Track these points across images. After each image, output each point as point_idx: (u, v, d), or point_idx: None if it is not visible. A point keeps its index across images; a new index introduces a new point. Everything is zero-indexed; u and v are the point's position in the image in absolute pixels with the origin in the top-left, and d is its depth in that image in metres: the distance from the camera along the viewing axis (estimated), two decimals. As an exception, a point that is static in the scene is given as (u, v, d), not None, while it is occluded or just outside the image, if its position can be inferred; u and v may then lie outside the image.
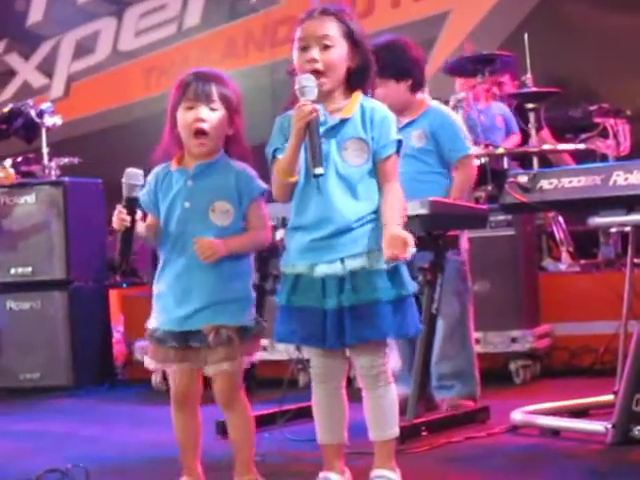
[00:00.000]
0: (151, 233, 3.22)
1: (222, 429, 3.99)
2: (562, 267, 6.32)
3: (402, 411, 3.41)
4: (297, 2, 8.43)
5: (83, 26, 9.97)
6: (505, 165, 6.49)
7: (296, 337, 3.14)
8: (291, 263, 3.11)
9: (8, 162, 6.44)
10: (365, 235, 3.05)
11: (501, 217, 5.40)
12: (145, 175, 3.20)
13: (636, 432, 3.56)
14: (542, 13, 8.08)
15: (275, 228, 3.63)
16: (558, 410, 4.15)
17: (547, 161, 6.97)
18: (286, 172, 3.05)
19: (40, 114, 6.64)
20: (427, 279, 4.07)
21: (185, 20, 9.58)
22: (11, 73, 10.20)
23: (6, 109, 6.80)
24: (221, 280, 3.13)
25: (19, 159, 6.63)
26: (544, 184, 3.99)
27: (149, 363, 3.23)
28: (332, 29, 3.08)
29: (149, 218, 3.23)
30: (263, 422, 3.95)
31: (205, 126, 3.13)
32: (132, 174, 3.15)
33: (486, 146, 6.35)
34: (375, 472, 3.12)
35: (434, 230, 4.07)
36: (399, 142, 3.11)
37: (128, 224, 3.11)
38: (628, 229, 4.22)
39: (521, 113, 6.90)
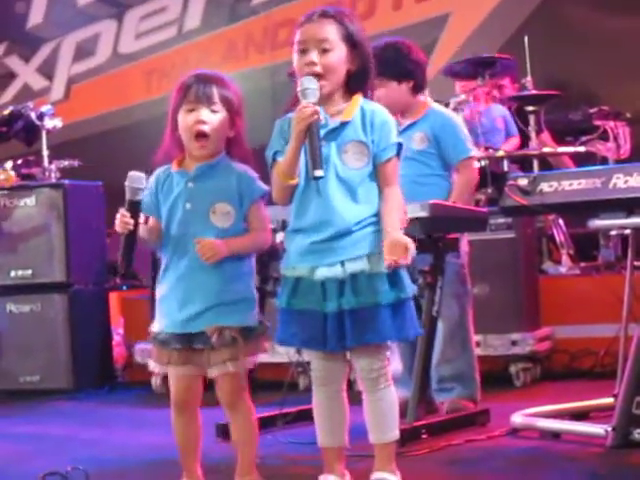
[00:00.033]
0: (153, 236, 3.21)
1: (222, 432, 3.99)
2: (562, 270, 6.31)
3: (402, 414, 3.41)
4: (298, 4, 8.48)
5: (83, 28, 9.95)
6: (505, 168, 6.47)
7: (296, 340, 3.14)
8: (291, 266, 3.11)
9: (8, 164, 6.43)
10: (365, 238, 3.04)
11: (501, 220, 5.41)
12: (146, 178, 3.20)
13: (636, 435, 3.56)
14: (542, 16, 8.07)
15: (275, 231, 3.62)
16: (558, 413, 4.15)
17: (547, 164, 6.95)
18: (286, 175, 3.05)
19: (40, 116, 6.64)
20: (427, 282, 4.06)
21: (185, 22, 9.57)
22: (11, 75, 10.18)
23: (6, 112, 6.79)
24: (223, 281, 3.13)
25: (19, 161, 6.61)
26: (544, 187, 3.99)
27: (154, 367, 3.23)
28: (331, 32, 3.08)
29: (151, 220, 3.22)
30: (263, 425, 3.93)
31: (206, 128, 3.13)
32: (135, 177, 3.14)
33: (486, 149, 6.35)
34: (375, 475, 3.12)
35: (434, 233, 4.06)
36: (399, 145, 3.11)
37: (131, 227, 3.10)
38: (628, 232, 4.21)
39: (521, 116, 6.89)
